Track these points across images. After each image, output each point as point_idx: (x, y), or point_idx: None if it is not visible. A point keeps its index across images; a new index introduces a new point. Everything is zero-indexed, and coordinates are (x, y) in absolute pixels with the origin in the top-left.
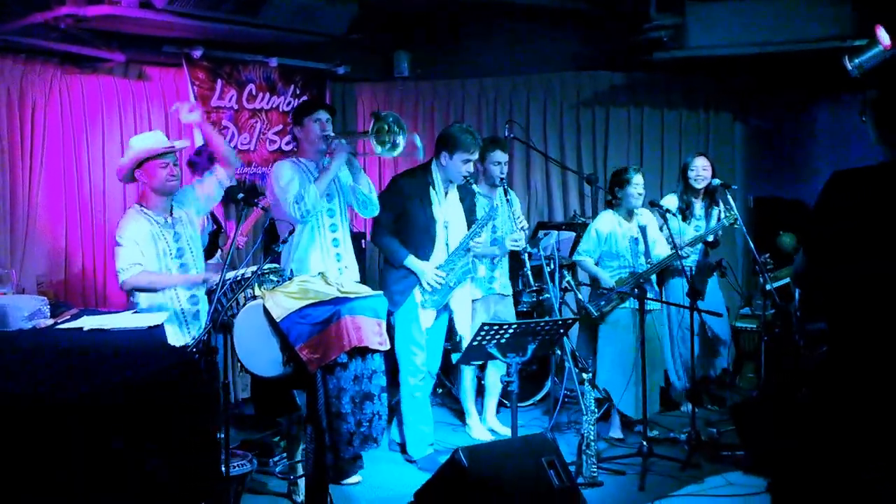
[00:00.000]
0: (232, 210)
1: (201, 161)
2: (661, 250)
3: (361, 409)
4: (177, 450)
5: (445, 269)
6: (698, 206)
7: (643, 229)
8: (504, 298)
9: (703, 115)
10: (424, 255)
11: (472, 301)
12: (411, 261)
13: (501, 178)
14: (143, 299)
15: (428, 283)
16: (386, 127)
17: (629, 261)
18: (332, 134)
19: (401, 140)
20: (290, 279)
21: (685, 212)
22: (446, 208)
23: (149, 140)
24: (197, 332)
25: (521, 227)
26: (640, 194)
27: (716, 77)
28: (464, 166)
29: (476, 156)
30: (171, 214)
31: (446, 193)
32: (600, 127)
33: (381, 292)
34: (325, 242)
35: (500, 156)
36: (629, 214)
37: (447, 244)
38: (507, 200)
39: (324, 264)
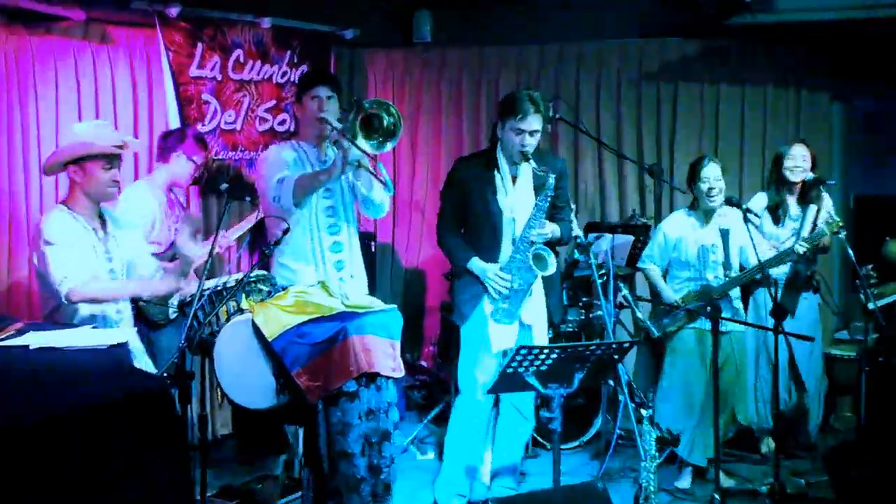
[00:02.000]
0: (212, 205)
1: (169, 143)
2: (752, 258)
3: (374, 450)
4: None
5: (511, 268)
6: (793, 205)
7: (724, 234)
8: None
9: (794, 93)
10: (491, 256)
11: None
12: (474, 262)
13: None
14: (84, 308)
15: (493, 289)
16: (371, 117)
17: (700, 271)
18: (333, 122)
19: (393, 124)
20: (283, 289)
21: (777, 212)
22: (515, 196)
23: (95, 132)
24: None
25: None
26: (712, 190)
27: (810, 47)
28: (516, 137)
29: (532, 124)
30: (104, 229)
31: (514, 178)
32: (667, 107)
33: (394, 306)
34: (321, 247)
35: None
36: (707, 216)
37: (513, 240)
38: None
39: (318, 275)
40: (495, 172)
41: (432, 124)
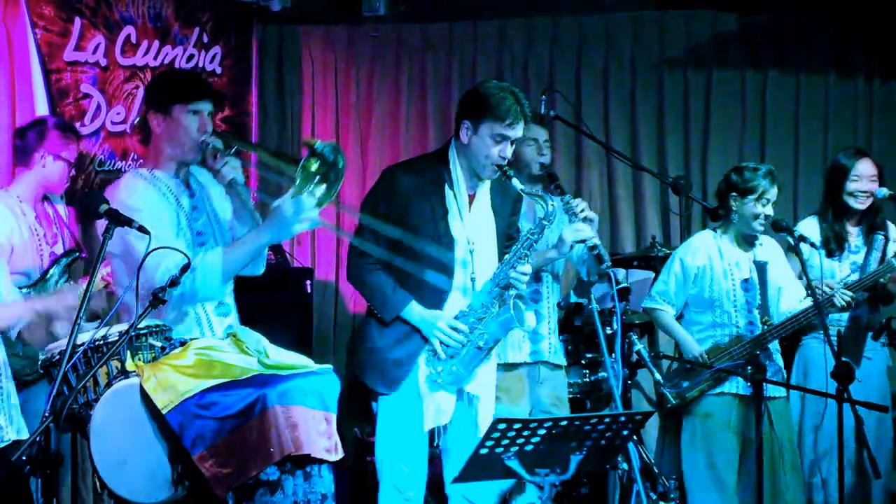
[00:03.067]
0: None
1: (27, 143)
2: (790, 303)
3: None
4: None
5: (469, 318)
6: (854, 235)
7: (761, 268)
8: (555, 373)
9: (862, 83)
10: (434, 299)
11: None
12: (414, 310)
13: (542, 165)
14: None
15: (441, 343)
16: (317, 167)
17: (733, 316)
18: (218, 145)
19: (331, 190)
20: (182, 344)
21: (832, 243)
22: (473, 220)
23: None
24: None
25: (585, 217)
26: (767, 216)
27: (882, 22)
28: (495, 147)
29: (517, 132)
30: None
31: (472, 196)
32: (696, 102)
33: (328, 367)
34: (205, 312)
35: (535, 131)
36: (744, 242)
37: (473, 281)
38: (558, 189)
39: (201, 333)
40: (446, 189)
41: (388, 124)
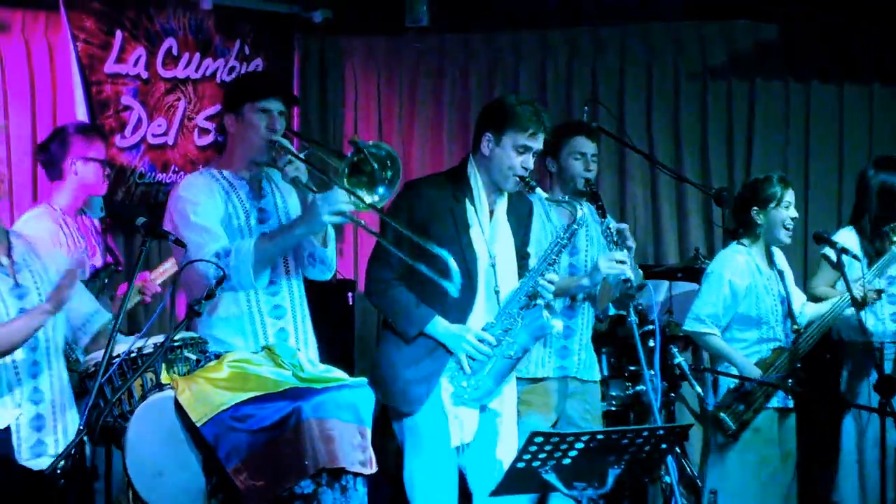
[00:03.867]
0: (134, 240)
1: (53, 155)
2: (797, 308)
3: None
4: None
5: (496, 329)
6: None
7: (782, 276)
8: (586, 387)
9: None
10: (458, 314)
11: (523, 389)
12: (439, 325)
13: (587, 181)
14: None
15: (468, 357)
16: (368, 166)
17: (777, 331)
18: (287, 144)
19: (381, 189)
20: (217, 357)
21: (869, 252)
22: (494, 234)
23: None
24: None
25: (626, 246)
26: (793, 220)
27: None
28: (518, 157)
29: (539, 143)
30: (10, 255)
31: (492, 212)
32: (740, 114)
33: (363, 379)
34: (259, 313)
35: (583, 144)
36: (769, 253)
37: (496, 293)
38: (600, 210)
39: (255, 344)
40: (467, 202)
41: (430, 135)
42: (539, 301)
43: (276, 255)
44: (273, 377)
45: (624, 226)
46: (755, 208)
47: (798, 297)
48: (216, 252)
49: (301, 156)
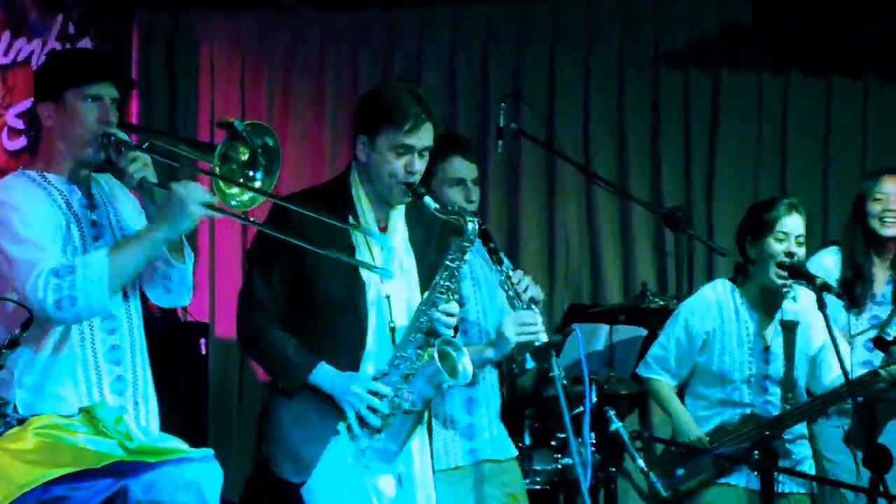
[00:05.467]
0: None
1: None
2: (834, 373)
3: None
4: None
5: (392, 377)
6: (882, 280)
7: (790, 330)
8: (502, 468)
9: None
10: (348, 358)
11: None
12: (322, 374)
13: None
14: None
15: (360, 412)
16: (243, 151)
17: (745, 393)
18: (124, 137)
19: (268, 178)
20: (21, 422)
21: (855, 287)
22: (388, 258)
23: None
24: None
25: (531, 300)
26: (788, 256)
27: None
28: (397, 161)
29: (425, 139)
30: None
31: (383, 229)
32: (699, 111)
33: (208, 451)
34: (94, 356)
35: (460, 166)
36: (767, 298)
37: (392, 331)
38: (493, 255)
39: (89, 396)
40: (350, 220)
41: (308, 132)
42: (439, 338)
43: (135, 271)
44: (92, 448)
45: (525, 277)
46: (748, 237)
47: (828, 362)
48: (52, 270)
49: (143, 146)
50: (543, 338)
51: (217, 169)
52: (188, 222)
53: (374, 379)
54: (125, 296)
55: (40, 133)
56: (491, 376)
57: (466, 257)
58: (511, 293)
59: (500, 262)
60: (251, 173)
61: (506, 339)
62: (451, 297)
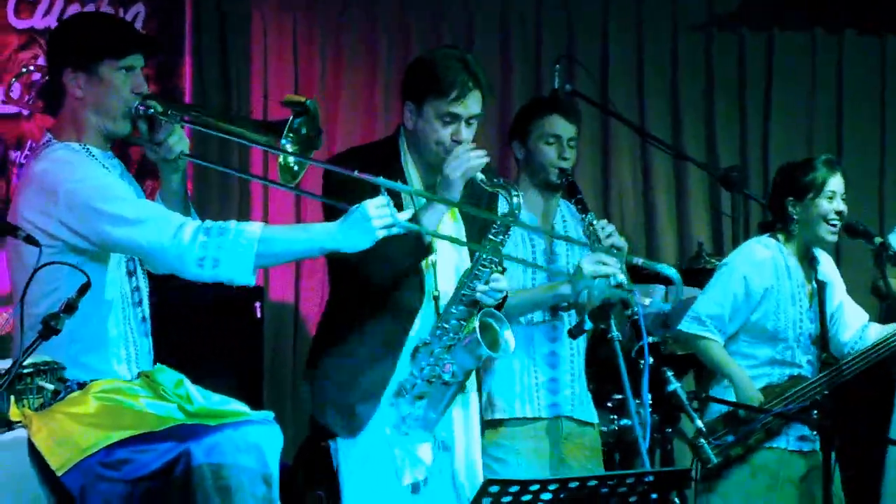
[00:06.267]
0: None
1: None
2: (851, 332)
3: None
4: None
5: (433, 347)
6: None
7: (822, 289)
8: (584, 431)
9: None
10: (404, 318)
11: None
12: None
13: (562, 170)
14: None
15: (406, 383)
16: (309, 130)
17: (796, 353)
18: (159, 109)
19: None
20: (81, 386)
21: None
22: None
23: None
24: None
25: (611, 246)
26: (838, 214)
27: None
28: (445, 129)
29: (472, 107)
30: None
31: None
32: (755, 73)
33: (268, 413)
34: (129, 328)
35: (557, 122)
36: (807, 257)
37: (435, 299)
38: (579, 205)
39: (130, 372)
40: (400, 186)
41: (361, 97)
42: (482, 310)
43: (279, 260)
44: (154, 412)
45: (610, 225)
46: (790, 199)
47: (854, 317)
48: (203, 226)
49: (181, 120)
50: (620, 276)
51: (288, 146)
52: (366, 243)
53: (417, 348)
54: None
55: (62, 101)
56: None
57: (509, 232)
58: (592, 238)
59: (585, 212)
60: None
61: (581, 274)
62: (495, 269)
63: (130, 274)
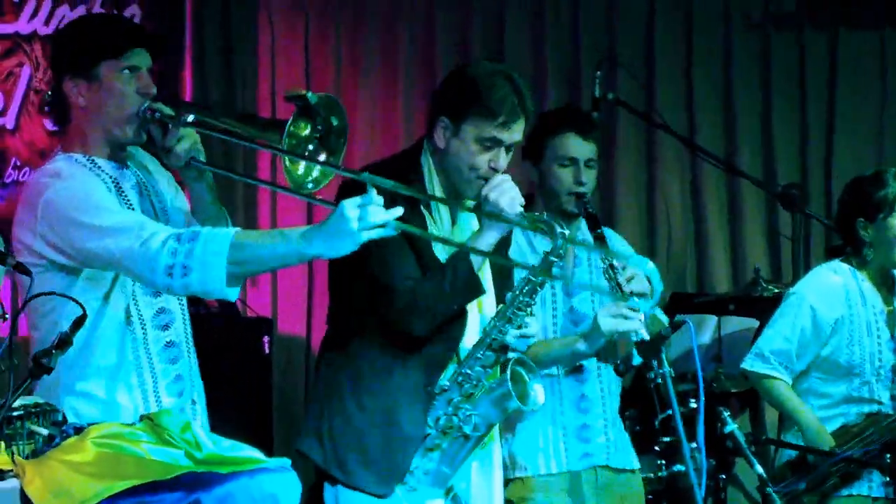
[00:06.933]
0: None
1: None
2: None
3: None
4: None
5: (453, 394)
6: None
7: None
8: (623, 479)
9: None
10: (420, 373)
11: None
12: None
13: (579, 196)
14: None
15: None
16: (314, 128)
17: (875, 388)
18: (168, 112)
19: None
20: (78, 431)
21: None
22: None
23: None
24: None
25: (634, 293)
26: None
27: None
28: (483, 155)
29: (516, 134)
30: None
31: (454, 222)
32: (815, 75)
33: (285, 460)
34: (147, 355)
35: (573, 143)
36: (885, 282)
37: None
38: (599, 241)
39: (145, 402)
40: (423, 211)
41: (379, 101)
42: (510, 356)
43: (259, 268)
44: (158, 458)
45: (633, 269)
46: (860, 220)
47: None
48: (174, 234)
49: (190, 121)
50: (643, 332)
51: (285, 145)
52: (350, 246)
53: (435, 394)
54: None
55: (68, 113)
56: (608, 371)
57: (565, 271)
58: (612, 284)
59: (601, 239)
60: (315, 151)
61: (598, 331)
62: (529, 313)
63: (157, 294)
